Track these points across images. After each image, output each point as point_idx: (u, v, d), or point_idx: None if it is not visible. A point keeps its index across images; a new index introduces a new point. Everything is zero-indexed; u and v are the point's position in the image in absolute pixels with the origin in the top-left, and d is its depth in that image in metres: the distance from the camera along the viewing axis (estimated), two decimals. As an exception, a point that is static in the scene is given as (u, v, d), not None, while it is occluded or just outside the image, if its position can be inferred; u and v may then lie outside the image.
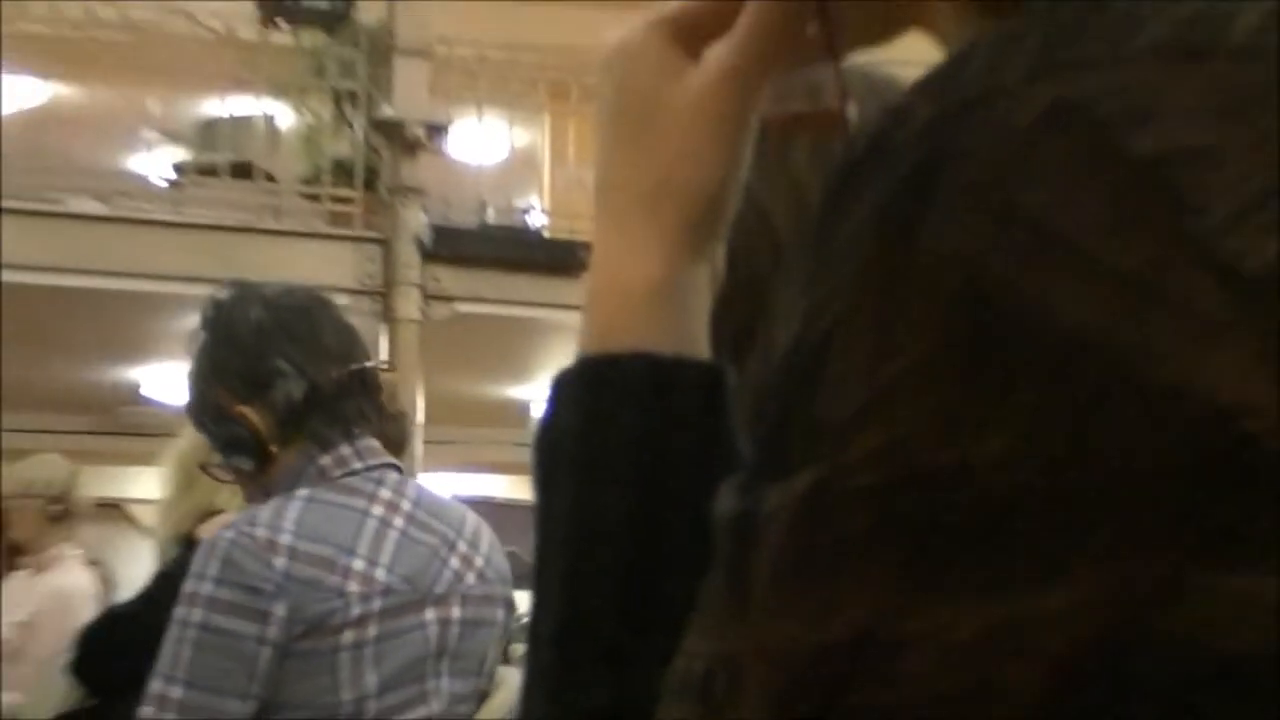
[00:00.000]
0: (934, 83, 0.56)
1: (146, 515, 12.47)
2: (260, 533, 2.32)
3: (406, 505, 2.49)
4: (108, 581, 5.58)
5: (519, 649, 5.50)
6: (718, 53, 0.73)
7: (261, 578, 2.28)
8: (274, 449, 2.48)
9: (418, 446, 7.72)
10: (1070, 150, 0.52)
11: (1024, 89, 0.53)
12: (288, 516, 2.36)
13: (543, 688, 0.69)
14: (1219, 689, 0.49)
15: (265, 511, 2.39)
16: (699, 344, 0.73)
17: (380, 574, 2.39)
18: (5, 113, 9.22)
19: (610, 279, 0.73)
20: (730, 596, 0.56)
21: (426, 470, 8.83)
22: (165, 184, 9.83)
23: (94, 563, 5.55)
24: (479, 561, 2.55)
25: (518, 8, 10.98)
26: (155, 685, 2.29)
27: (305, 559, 2.32)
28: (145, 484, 12.73)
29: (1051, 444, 0.50)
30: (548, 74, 9.93)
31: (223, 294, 2.59)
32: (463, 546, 2.53)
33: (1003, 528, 0.50)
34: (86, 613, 4.98)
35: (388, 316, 8.67)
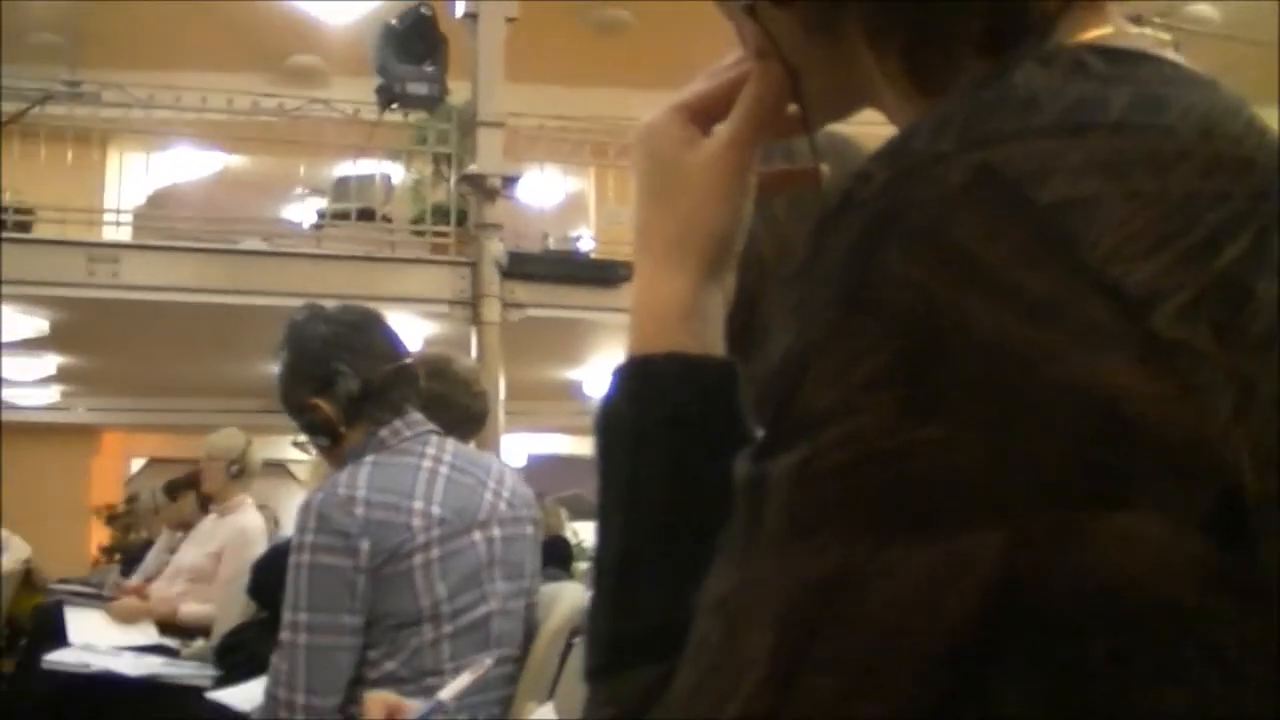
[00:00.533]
0: (887, 152, 0.58)
1: (301, 472, 12.61)
2: (342, 491, 2.36)
3: (447, 457, 2.51)
4: (273, 522, 5.64)
5: (581, 566, 5.38)
6: (722, 128, 0.75)
7: (347, 524, 2.31)
8: (343, 430, 2.52)
9: (500, 416, 7.63)
10: (992, 201, 0.53)
11: (955, 156, 0.55)
12: (360, 477, 2.39)
13: (606, 609, 0.70)
14: (1108, 611, 0.51)
15: (344, 475, 2.41)
16: (717, 347, 0.74)
17: (435, 510, 2.40)
18: (195, 176, 9.33)
19: (649, 301, 0.74)
20: (747, 540, 0.57)
21: (508, 432, 8.80)
22: (311, 227, 9.87)
23: (263, 508, 5.60)
24: (506, 494, 2.55)
25: (568, 91, 11.08)
26: (286, 614, 2.32)
27: (378, 506, 2.34)
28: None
29: (977, 429, 0.51)
30: (591, 138, 9.90)
31: (298, 315, 2.62)
32: (492, 484, 2.54)
33: (939, 491, 0.51)
34: (260, 546, 5.07)
35: (476, 321, 8.62)
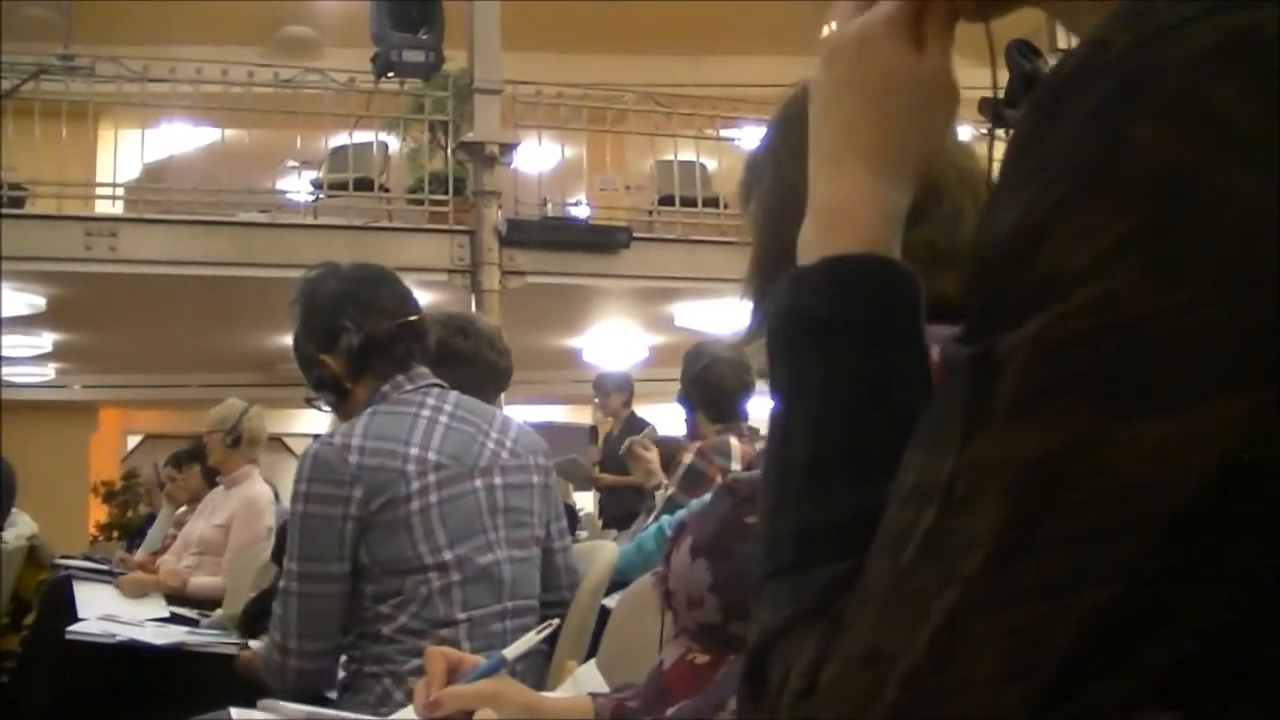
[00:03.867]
0: (1125, 18, 0.56)
1: (299, 446, 12.63)
2: (337, 439, 2.37)
3: (448, 406, 2.50)
4: (276, 493, 5.57)
5: (582, 535, 5.21)
6: (937, 47, 0.75)
7: (340, 471, 2.32)
8: (349, 385, 2.52)
9: (502, 384, 7.55)
10: (1246, 64, 0.52)
11: (1204, 19, 0.53)
12: (357, 426, 2.40)
13: (794, 505, 0.68)
14: None
15: (342, 427, 2.44)
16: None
17: (431, 455, 2.40)
18: (190, 149, 9.30)
19: (862, 206, 0.73)
20: (968, 421, 0.56)
21: (508, 402, 8.69)
22: (307, 198, 9.82)
23: (265, 482, 5.55)
24: (509, 443, 2.54)
25: (565, 57, 11.13)
26: (286, 563, 2.36)
27: (372, 453, 2.35)
28: (299, 422, 12.88)
29: (1227, 295, 0.50)
30: (588, 104, 9.86)
31: (311, 273, 2.62)
32: (494, 433, 2.53)
33: (1184, 359, 0.51)
34: (269, 517, 5.09)
35: (475, 288, 8.62)
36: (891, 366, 0.69)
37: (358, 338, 2.48)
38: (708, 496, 1.38)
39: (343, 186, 9.27)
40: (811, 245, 0.74)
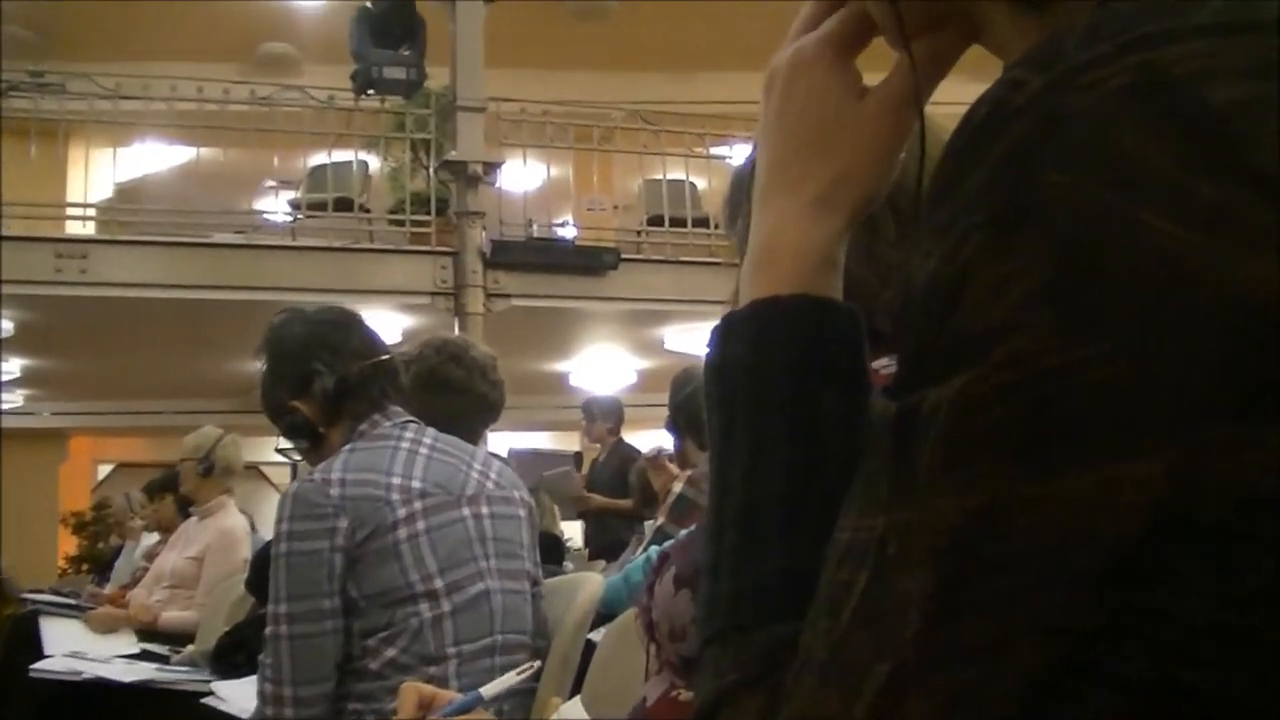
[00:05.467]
0: (1038, 57, 0.56)
1: (276, 474, 12.55)
2: (317, 476, 2.38)
3: (428, 440, 2.53)
4: (252, 523, 5.57)
5: (569, 567, 5.02)
6: (892, 83, 0.73)
7: (323, 505, 2.33)
8: (322, 430, 2.56)
9: (487, 410, 7.52)
10: (1157, 104, 0.52)
11: (1116, 58, 0.53)
12: (336, 462, 2.42)
13: (728, 562, 0.68)
14: (1270, 528, 0.50)
15: (320, 465, 2.45)
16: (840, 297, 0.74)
17: (415, 483, 2.42)
18: (164, 169, 9.28)
19: (787, 244, 0.73)
20: (896, 479, 0.56)
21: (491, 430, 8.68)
22: (285, 218, 9.80)
23: (241, 512, 5.52)
24: (492, 475, 2.56)
25: (550, 74, 11.18)
26: (270, 607, 2.35)
27: (354, 484, 2.37)
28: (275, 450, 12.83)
29: (1139, 346, 0.50)
30: (574, 122, 9.88)
31: (276, 319, 2.66)
32: (477, 465, 2.55)
33: (1104, 410, 0.51)
34: (244, 549, 5.07)
35: (459, 311, 8.60)
36: (824, 414, 0.68)
37: (331, 380, 2.53)
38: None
39: (321, 207, 9.28)
40: (744, 286, 0.74)
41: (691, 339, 9.83)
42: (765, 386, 0.69)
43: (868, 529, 0.57)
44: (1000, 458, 0.52)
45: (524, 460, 6.90)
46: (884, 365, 0.73)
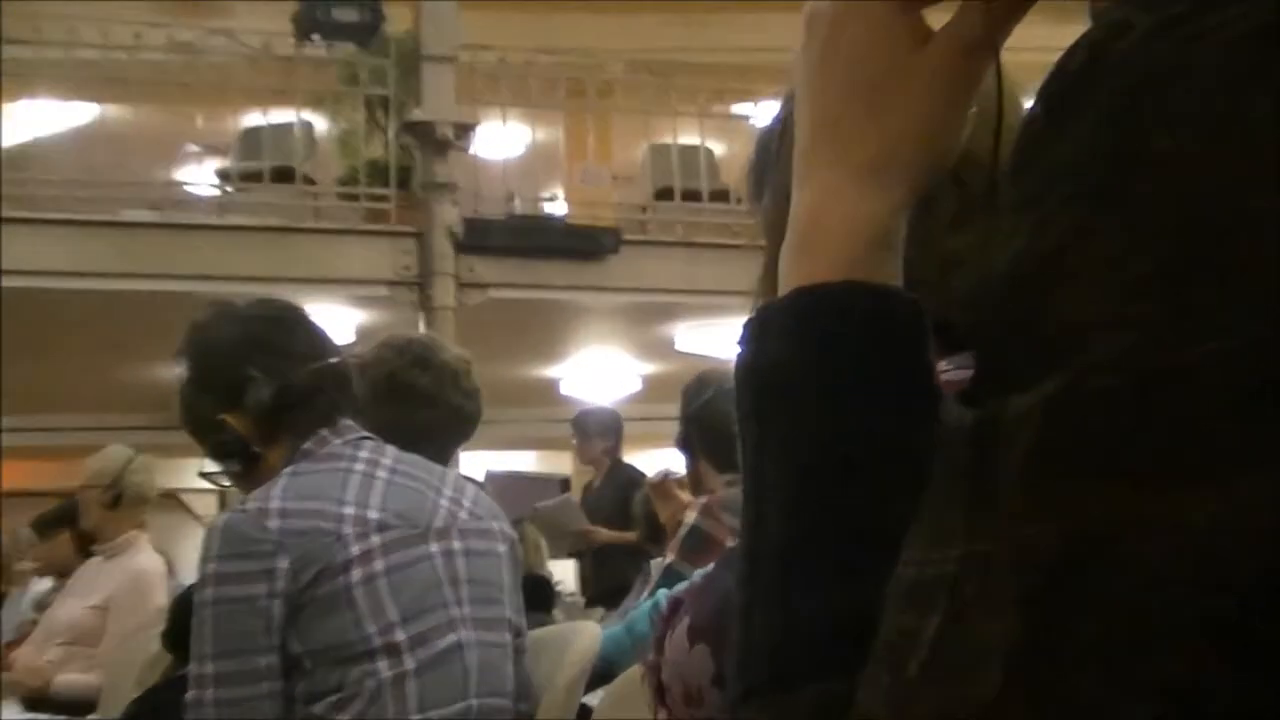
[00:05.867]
0: None
1: (200, 504, 12.54)
2: (251, 505, 2.38)
3: (387, 461, 2.53)
4: (170, 565, 5.62)
5: (559, 616, 5.04)
6: (960, 26, 0.74)
7: (259, 540, 2.31)
8: (258, 449, 2.56)
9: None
10: None
11: (1234, 3, 0.52)
12: (274, 489, 2.41)
13: (765, 604, 0.69)
14: None
15: (255, 492, 2.45)
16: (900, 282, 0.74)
17: (372, 513, 2.41)
18: (60, 131, 9.34)
19: (834, 221, 0.73)
20: (974, 502, 0.55)
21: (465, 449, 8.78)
22: (212, 192, 9.81)
23: (156, 550, 5.52)
24: (466, 503, 2.57)
25: (536, 15, 11.11)
26: (193, 667, 2.33)
27: (296, 515, 2.36)
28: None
29: (1262, 344, 0.50)
30: (564, 74, 9.90)
31: (201, 316, 2.67)
32: (448, 491, 2.56)
33: (1228, 417, 0.50)
34: (160, 593, 5.08)
35: (425, 305, 8.63)
36: (881, 426, 0.69)
37: (269, 390, 2.52)
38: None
39: (256, 178, 9.27)
40: (784, 272, 0.74)
41: (708, 338, 9.71)
42: (809, 394, 0.71)
43: (938, 563, 0.57)
44: (1103, 475, 0.52)
45: (503, 486, 6.99)
46: (954, 367, 0.76)
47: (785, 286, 0.73)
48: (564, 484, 8.40)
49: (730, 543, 2.63)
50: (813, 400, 0.70)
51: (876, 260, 0.72)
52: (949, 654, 0.55)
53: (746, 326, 0.74)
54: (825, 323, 0.71)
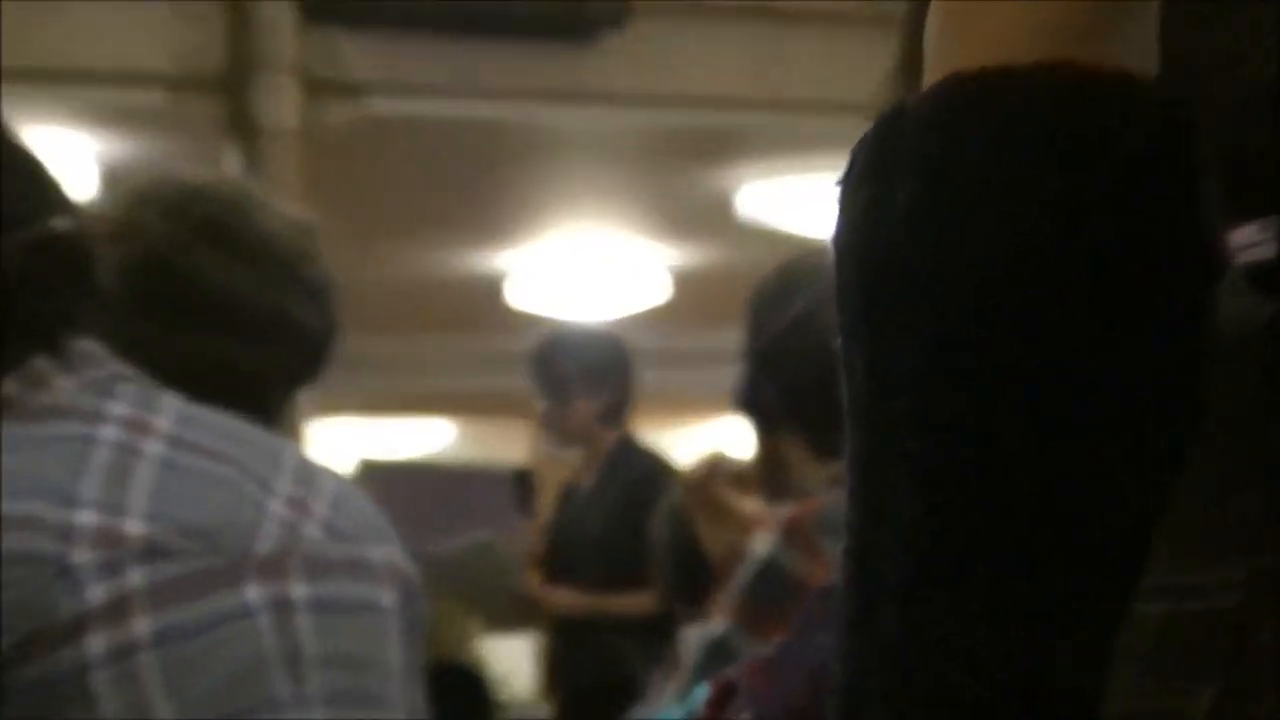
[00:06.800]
0: None
1: None
2: None
3: (164, 423, 2.12)
4: None
5: None
6: None
7: None
8: None
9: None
10: None
11: None
12: None
13: (882, 669, 0.61)
14: None
15: None
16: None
17: (133, 525, 2.00)
18: None
19: None
20: (1274, 467, 0.55)
21: (323, 411, 8.19)
22: None
23: None
24: (320, 509, 2.16)
25: None
26: None
27: None
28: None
29: None
30: None
31: None
32: (282, 485, 2.14)
33: None
34: None
35: (238, 125, 6.73)
36: (1101, 338, 0.57)
37: None
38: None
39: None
40: (932, 53, 0.63)
41: (796, 195, 7.57)
42: (970, 284, 0.58)
43: (1207, 592, 0.56)
44: None
45: (395, 486, 6.59)
46: (1254, 239, 0.68)
47: (933, 76, 0.60)
48: (520, 483, 7.44)
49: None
50: (984, 297, 0.57)
51: (1112, 29, 0.59)
52: None
53: (855, 156, 0.61)
54: (1018, 142, 0.59)
